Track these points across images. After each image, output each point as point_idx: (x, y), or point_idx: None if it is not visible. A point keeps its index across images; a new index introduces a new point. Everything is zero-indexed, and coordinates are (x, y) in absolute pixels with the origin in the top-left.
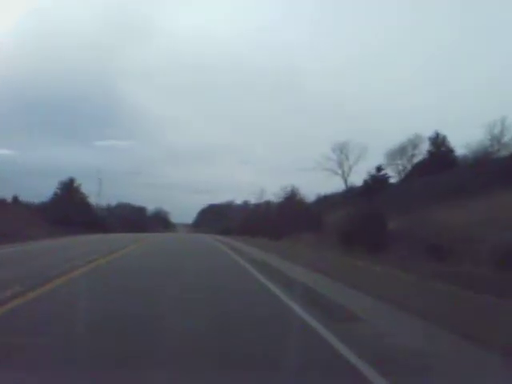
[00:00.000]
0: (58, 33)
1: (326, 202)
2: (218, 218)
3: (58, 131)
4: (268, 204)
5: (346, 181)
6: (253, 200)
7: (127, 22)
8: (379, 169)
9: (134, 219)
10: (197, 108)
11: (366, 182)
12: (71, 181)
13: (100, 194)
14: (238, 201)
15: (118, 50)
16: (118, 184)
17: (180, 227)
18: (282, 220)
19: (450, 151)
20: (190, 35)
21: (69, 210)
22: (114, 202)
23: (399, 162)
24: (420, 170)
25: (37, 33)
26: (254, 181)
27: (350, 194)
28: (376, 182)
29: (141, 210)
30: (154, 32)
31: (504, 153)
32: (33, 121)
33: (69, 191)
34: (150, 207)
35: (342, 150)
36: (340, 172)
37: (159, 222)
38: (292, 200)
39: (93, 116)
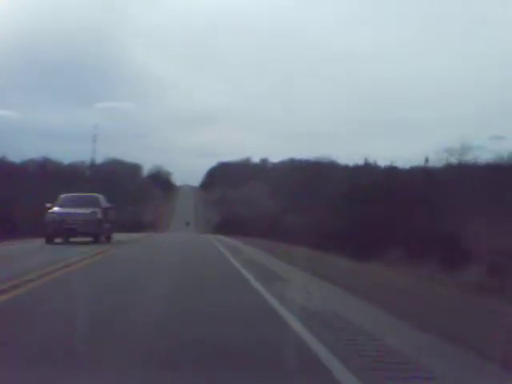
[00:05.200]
0: None
1: None
2: (233, 180)
3: (58, 92)
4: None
5: None
6: (273, 159)
7: None
8: None
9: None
10: (199, 70)
11: None
12: None
13: (95, 153)
14: (256, 158)
15: (120, 9)
16: (118, 146)
17: (185, 190)
18: None
19: None
20: None
21: None
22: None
23: None
24: None
25: None
26: (260, 144)
27: None
28: None
29: (135, 169)
30: None
31: None
32: (32, 81)
33: None
34: (148, 166)
35: None
36: None
37: (158, 183)
38: None
39: (93, 77)
